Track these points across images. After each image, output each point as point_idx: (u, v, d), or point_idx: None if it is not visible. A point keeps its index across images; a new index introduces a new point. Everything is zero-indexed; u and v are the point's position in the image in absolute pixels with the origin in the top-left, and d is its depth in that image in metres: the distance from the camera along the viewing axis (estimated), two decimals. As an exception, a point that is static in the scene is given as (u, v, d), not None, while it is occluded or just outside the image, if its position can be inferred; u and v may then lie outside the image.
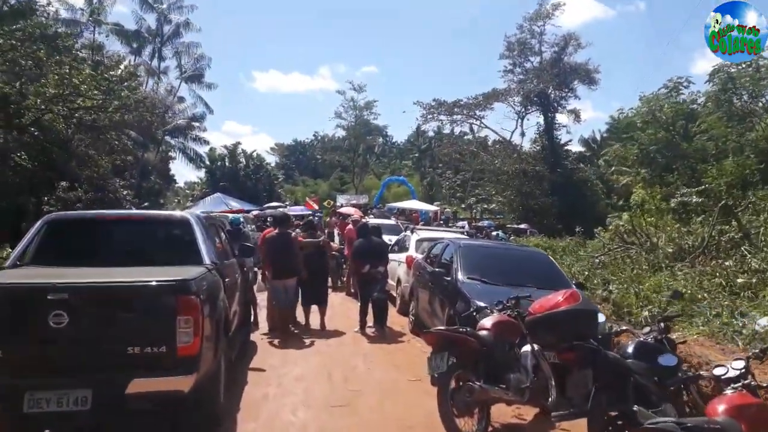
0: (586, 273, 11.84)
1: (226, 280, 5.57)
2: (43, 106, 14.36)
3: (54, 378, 3.82)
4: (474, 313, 5.54)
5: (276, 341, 8.20)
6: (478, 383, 4.51)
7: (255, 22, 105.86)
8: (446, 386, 4.68)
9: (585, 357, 4.15)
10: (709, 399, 4.68)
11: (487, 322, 5.01)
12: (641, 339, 4.80)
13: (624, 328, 5.66)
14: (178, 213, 6.27)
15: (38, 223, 5.09)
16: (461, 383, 4.70)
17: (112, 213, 6.43)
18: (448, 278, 7.32)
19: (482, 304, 5.60)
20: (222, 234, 6.92)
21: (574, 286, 7.24)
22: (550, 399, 4.60)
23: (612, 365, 4.22)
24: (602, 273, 11.77)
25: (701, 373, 4.12)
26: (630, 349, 4.60)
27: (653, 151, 21.11)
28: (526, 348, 4.86)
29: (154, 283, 3.98)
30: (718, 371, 3.74)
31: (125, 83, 16.92)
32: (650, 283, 9.36)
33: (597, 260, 13.31)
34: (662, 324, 4.86)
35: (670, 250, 12.44)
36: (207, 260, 5.08)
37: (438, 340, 4.86)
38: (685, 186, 18.64)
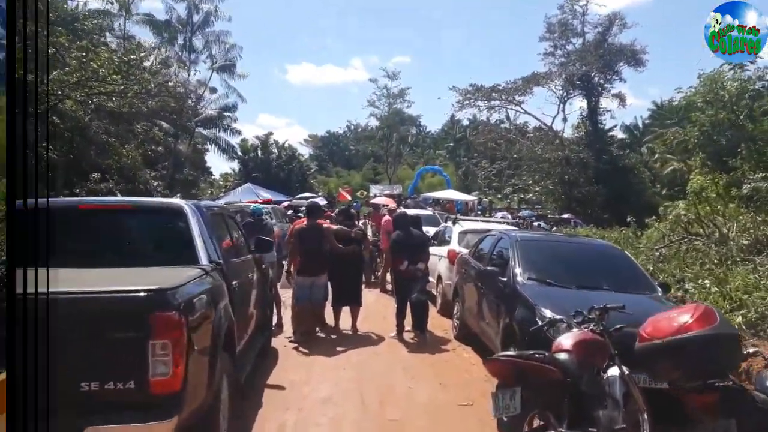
0: (650, 268, 10.46)
1: (234, 282, 4.50)
2: (59, 92, 13.58)
3: None
4: (545, 328, 4.30)
5: (301, 347, 7.15)
6: (561, 429, 3.31)
7: (286, 15, 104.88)
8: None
9: (728, 402, 2.91)
10: None
11: (567, 341, 3.78)
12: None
13: (752, 350, 4.17)
14: (173, 201, 5.19)
15: (-4, 214, 4.09)
16: (537, 425, 3.52)
17: (92, 200, 5.39)
18: (504, 279, 6.05)
19: (556, 316, 4.36)
20: (234, 226, 5.87)
21: (659, 288, 5.99)
22: (642, 438, 3.46)
23: (762, 412, 2.98)
24: (667, 268, 10.43)
25: None
26: None
27: (714, 133, 19.26)
28: (613, 372, 3.67)
29: (115, 295, 2.90)
30: None
31: (144, 64, 16.07)
32: (738, 282, 7.95)
33: (657, 253, 11.93)
34: None
35: (746, 242, 11.02)
36: (204, 259, 4.02)
37: (506, 370, 3.63)
38: (752, 171, 16.88)
